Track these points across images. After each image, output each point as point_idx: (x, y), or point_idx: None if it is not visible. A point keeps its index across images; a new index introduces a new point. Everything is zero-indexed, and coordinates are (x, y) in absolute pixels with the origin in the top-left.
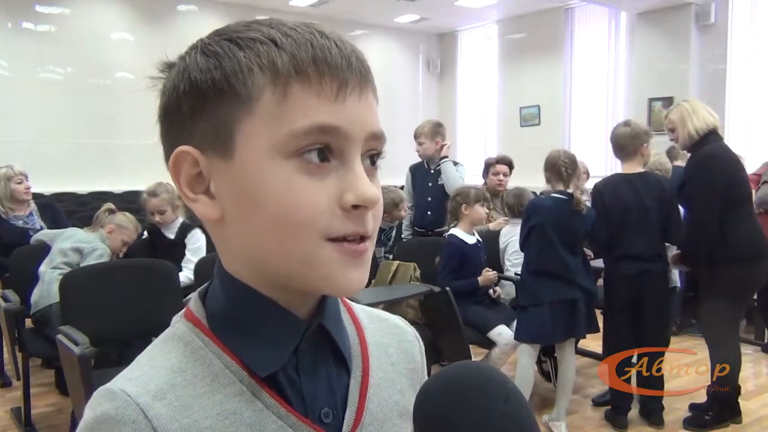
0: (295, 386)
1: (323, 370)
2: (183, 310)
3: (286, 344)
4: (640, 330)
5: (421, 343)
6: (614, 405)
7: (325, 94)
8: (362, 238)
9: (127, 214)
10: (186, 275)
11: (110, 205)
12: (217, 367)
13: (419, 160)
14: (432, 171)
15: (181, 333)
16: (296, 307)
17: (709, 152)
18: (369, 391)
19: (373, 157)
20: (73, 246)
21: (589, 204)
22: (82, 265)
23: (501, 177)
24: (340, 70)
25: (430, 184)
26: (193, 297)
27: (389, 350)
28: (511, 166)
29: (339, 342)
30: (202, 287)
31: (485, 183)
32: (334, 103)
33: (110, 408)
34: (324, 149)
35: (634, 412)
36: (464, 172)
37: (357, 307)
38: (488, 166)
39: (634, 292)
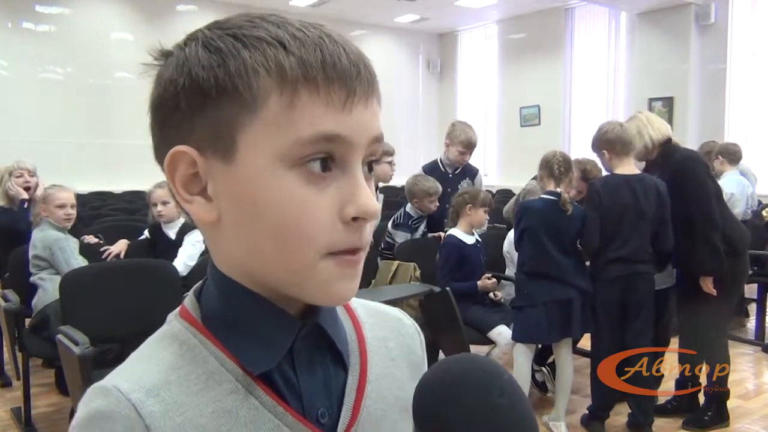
0: (292, 385)
1: (320, 369)
2: (178, 308)
3: (280, 343)
4: (629, 332)
5: (422, 336)
6: (593, 411)
7: (333, 103)
8: (357, 249)
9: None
10: (183, 262)
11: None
12: (212, 364)
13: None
14: (451, 175)
15: (176, 331)
16: (289, 305)
17: (685, 155)
18: (366, 387)
19: (370, 163)
20: (33, 254)
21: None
22: (62, 261)
23: None
24: (348, 78)
25: (449, 189)
26: (189, 295)
27: (389, 344)
28: None
29: (335, 340)
30: (197, 285)
31: None
32: (341, 112)
33: (102, 404)
34: (327, 158)
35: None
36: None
37: (355, 302)
38: None
39: (622, 295)
